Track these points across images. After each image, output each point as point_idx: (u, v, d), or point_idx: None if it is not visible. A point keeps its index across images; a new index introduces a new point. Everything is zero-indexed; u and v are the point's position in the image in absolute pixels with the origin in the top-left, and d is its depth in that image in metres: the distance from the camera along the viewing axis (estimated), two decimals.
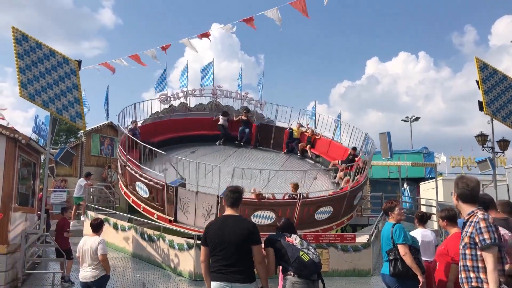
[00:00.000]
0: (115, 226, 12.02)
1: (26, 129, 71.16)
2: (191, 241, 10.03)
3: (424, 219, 6.93)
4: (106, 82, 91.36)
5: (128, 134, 13.42)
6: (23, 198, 9.74)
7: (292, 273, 4.53)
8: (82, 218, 14.01)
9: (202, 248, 4.40)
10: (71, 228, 10.51)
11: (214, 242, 4.25)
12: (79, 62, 10.46)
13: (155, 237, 10.86)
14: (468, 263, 3.31)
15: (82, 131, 18.41)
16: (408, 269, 5.05)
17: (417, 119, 42.49)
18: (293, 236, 4.73)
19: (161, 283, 9.56)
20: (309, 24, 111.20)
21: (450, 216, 5.55)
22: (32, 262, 9.95)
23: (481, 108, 11.60)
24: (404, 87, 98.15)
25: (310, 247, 4.67)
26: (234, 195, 4.41)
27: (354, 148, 15.67)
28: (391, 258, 5.18)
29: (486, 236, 3.19)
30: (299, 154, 17.42)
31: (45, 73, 9.70)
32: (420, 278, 4.99)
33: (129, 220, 12.40)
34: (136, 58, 13.71)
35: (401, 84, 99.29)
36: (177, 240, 10.36)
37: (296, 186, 12.01)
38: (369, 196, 18.78)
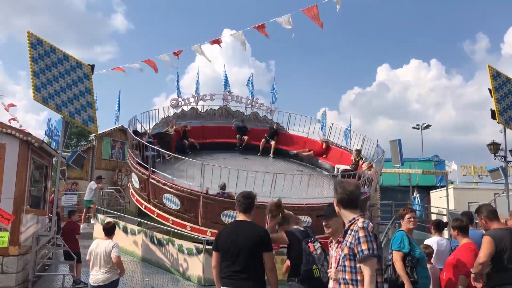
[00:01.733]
0: (125, 230, 12.06)
1: (37, 131, 71.92)
2: (200, 246, 10.02)
3: (440, 226, 6.79)
4: (117, 87, 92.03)
5: (146, 143, 13.19)
6: (34, 201, 9.82)
7: (296, 280, 4.51)
8: (92, 221, 14.09)
9: (214, 253, 4.39)
10: (81, 231, 10.57)
11: (226, 248, 4.24)
12: (92, 66, 10.55)
13: (164, 241, 10.88)
14: (347, 276, 3.10)
15: (94, 134, 18.56)
16: (398, 277, 4.90)
17: (428, 126, 42.25)
18: (317, 244, 4.53)
19: (170, 287, 9.57)
20: (321, 30, 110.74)
21: (461, 227, 5.51)
22: (42, 264, 10.01)
23: (493, 117, 11.50)
24: (415, 94, 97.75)
25: (325, 263, 4.48)
26: (246, 200, 4.40)
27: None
28: (386, 264, 5.08)
29: (364, 246, 2.98)
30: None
31: (59, 77, 9.79)
32: (407, 286, 4.77)
33: (139, 224, 12.43)
34: (150, 63, 13.78)
35: (412, 92, 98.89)
36: (186, 244, 10.37)
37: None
38: (379, 204, 18.66)
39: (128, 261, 11.22)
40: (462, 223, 5.54)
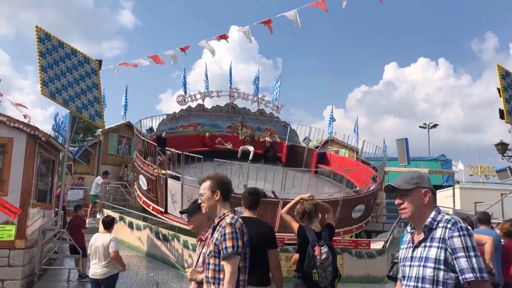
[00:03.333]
0: (130, 225, 12.11)
1: (45, 126, 72.38)
2: None
3: None
4: (124, 82, 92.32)
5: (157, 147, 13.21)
6: (41, 195, 9.88)
7: (297, 276, 4.55)
8: (98, 216, 14.16)
9: None
10: (87, 225, 10.62)
11: None
12: (100, 61, 10.58)
13: (169, 237, 10.91)
14: (210, 274, 2.97)
15: (100, 130, 18.64)
16: None
17: (435, 126, 42.05)
18: (324, 249, 4.41)
19: (175, 283, 9.59)
20: (328, 28, 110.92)
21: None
22: (48, 257, 10.08)
23: (502, 117, 11.43)
24: (423, 93, 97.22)
25: (328, 269, 4.37)
26: (252, 197, 4.39)
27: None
28: (393, 261, 5.07)
29: (229, 244, 2.89)
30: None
31: (66, 71, 9.83)
32: None
33: (144, 219, 12.47)
34: (156, 58, 13.81)
35: (419, 91, 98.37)
36: (192, 240, 10.38)
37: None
38: (385, 203, 18.59)
39: (133, 256, 11.26)
40: (467, 222, 5.53)
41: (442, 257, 2.34)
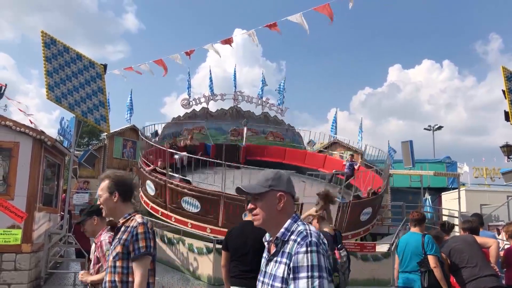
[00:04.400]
0: None
1: (49, 130, 72.78)
2: (211, 245, 10.06)
3: (445, 227, 6.72)
4: (129, 85, 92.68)
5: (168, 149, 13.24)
6: (47, 199, 9.93)
7: None
8: None
9: (223, 253, 4.41)
10: None
11: (235, 247, 4.25)
12: (105, 66, 10.64)
13: (174, 241, 10.93)
14: (117, 277, 2.77)
15: (105, 134, 18.72)
16: (438, 283, 4.83)
17: (440, 128, 41.84)
18: (343, 252, 4.49)
19: (180, 287, 9.60)
20: (332, 30, 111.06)
21: (472, 228, 5.48)
22: (54, 261, 10.11)
23: (507, 119, 11.36)
24: (427, 95, 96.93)
25: (347, 271, 4.47)
26: None
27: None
28: (423, 270, 4.98)
29: (142, 244, 2.76)
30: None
31: (72, 76, 9.89)
32: None
33: None
34: (160, 62, 13.83)
35: (424, 93, 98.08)
36: (197, 244, 10.41)
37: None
38: (390, 205, 18.55)
39: None
40: (473, 224, 5.52)
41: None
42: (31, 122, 19.36)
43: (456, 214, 16.23)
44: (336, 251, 4.44)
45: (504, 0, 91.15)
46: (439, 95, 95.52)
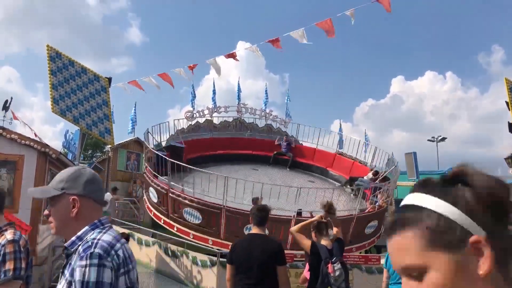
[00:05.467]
0: (139, 241, 12.11)
1: (54, 142, 73.00)
2: (214, 258, 10.01)
3: None
4: (133, 98, 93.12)
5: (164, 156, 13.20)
6: None
7: None
8: None
9: (228, 266, 4.39)
10: None
11: (240, 261, 4.23)
12: (109, 79, 10.72)
13: (178, 253, 10.89)
14: None
15: (109, 146, 18.78)
16: None
17: (443, 139, 41.71)
18: (337, 266, 4.47)
19: None
20: (335, 42, 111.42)
21: None
22: (58, 274, 10.07)
23: (511, 130, 11.36)
24: (430, 106, 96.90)
25: (342, 286, 4.44)
26: (261, 213, 4.39)
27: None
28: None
29: (9, 266, 2.36)
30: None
31: (77, 89, 9.97)
32: None
33: (153, 236, 12.45)
34: (165, 77, 13.86)
35: (427, 104, 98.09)
36: (200, 257, 10.36)
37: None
38: None
39: (142, 272, 11.23)
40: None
41: None
42: (36, 135, 19.47)
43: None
44: (329, 265, 4.40)
45: (506, 12, 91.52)
46: (443, 106, 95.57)
